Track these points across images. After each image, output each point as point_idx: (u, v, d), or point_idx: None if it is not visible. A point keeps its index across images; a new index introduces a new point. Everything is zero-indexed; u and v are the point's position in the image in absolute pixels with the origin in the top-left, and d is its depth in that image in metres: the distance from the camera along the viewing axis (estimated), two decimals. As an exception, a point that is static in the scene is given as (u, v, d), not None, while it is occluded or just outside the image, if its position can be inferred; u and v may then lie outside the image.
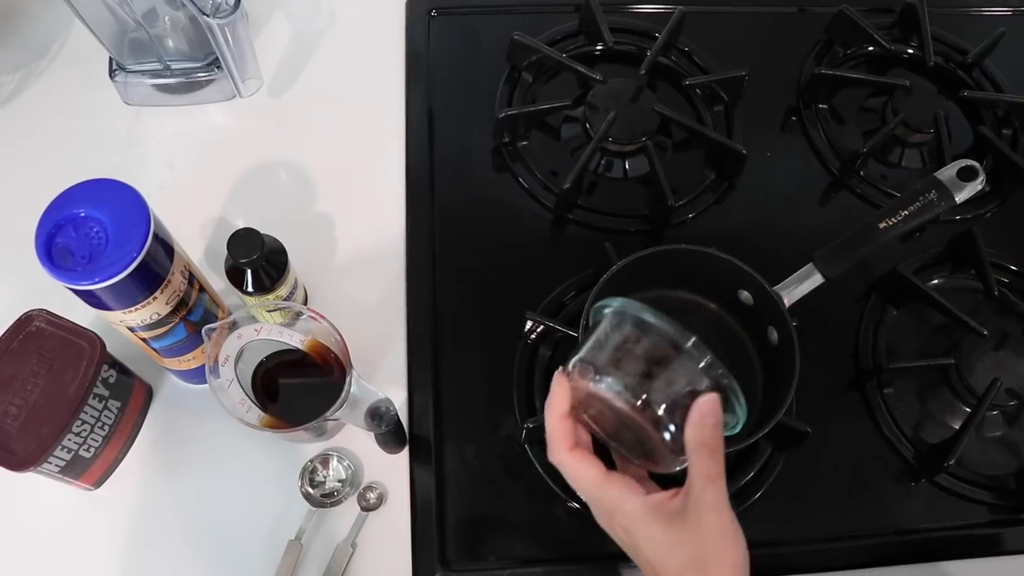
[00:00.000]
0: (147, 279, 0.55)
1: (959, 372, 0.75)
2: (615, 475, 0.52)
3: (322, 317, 0.62)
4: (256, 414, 0.63)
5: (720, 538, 0.48)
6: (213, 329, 0.61)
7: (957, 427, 0.74)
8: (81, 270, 0.53)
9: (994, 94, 0.91)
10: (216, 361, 0.61)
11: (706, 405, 0.48)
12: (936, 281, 0.81)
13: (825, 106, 0.89)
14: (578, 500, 0.69)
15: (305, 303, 0.76)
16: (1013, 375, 0.74)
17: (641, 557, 0.51)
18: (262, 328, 0.64)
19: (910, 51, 0.92)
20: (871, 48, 0.92)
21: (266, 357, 0.68)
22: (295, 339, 0.66)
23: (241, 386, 0.63)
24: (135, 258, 0.53)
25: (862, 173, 0.86)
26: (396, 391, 0.73)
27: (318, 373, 0.66)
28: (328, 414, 0.60)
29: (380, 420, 0.62)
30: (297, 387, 0.69)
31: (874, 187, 0.86)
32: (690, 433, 0.49)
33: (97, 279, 0.52)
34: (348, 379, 0.60)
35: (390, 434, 0.64)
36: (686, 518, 0.48)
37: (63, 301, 0.60)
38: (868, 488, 0.73)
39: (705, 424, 0.48)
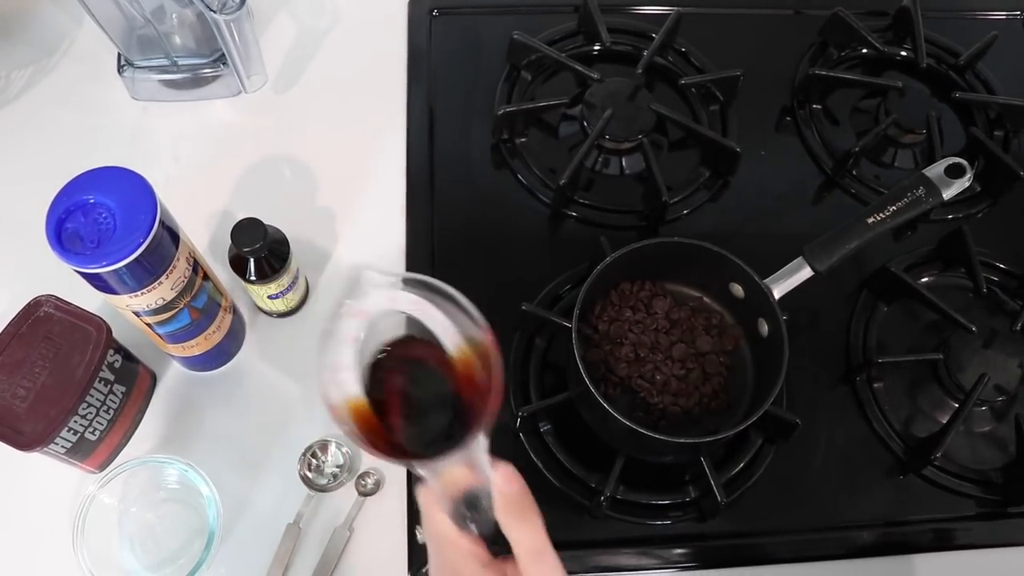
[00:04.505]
0: (153, 264, 0.57)
1: (947, 367, 0.76)
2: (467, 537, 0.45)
3: (493, 344, 0.44)
4: (351, 390, 0.44)
5: None
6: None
7: (945, 422, 0.75)
8: (90, 254, 0.54)
9: (986, 96, 0.92)
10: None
11: (505, 472, 0.43)
12: (926, 279, 0.83)
13: (819, 107, 0.91)
14: (573, 488, 0.70)
15: (306, 295, 0.77)
16: (1001, 371, 0.75)
17: None
18: (424, 308, 0.45)
19: (903, 53, 0.94)
20: (865, 50, 0.94)
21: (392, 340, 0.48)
22: (452, 339, 0.46)
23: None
24: (142, 243, 0.54)
25: (855, 172, 0.87)
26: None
27: (437, 393, 0.47)
28: (434, 458, 0.43)
29: (474, 512, 0.45)
30: (406, 391, 0.48)
31: (867, 186, 0.87)
32: (500, 508, 0.43)
33: (105, 263, 0.54)
34: (478, 435, 0.43)
35: (480, 531, 0.46)
36: None
37: (70, 289, 0.61)
38: (857, 480, 0.75)
39: (511, 493, 0.43)
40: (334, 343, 0.44)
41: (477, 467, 0.44)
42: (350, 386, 0.44)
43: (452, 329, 0.44)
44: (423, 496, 0.45)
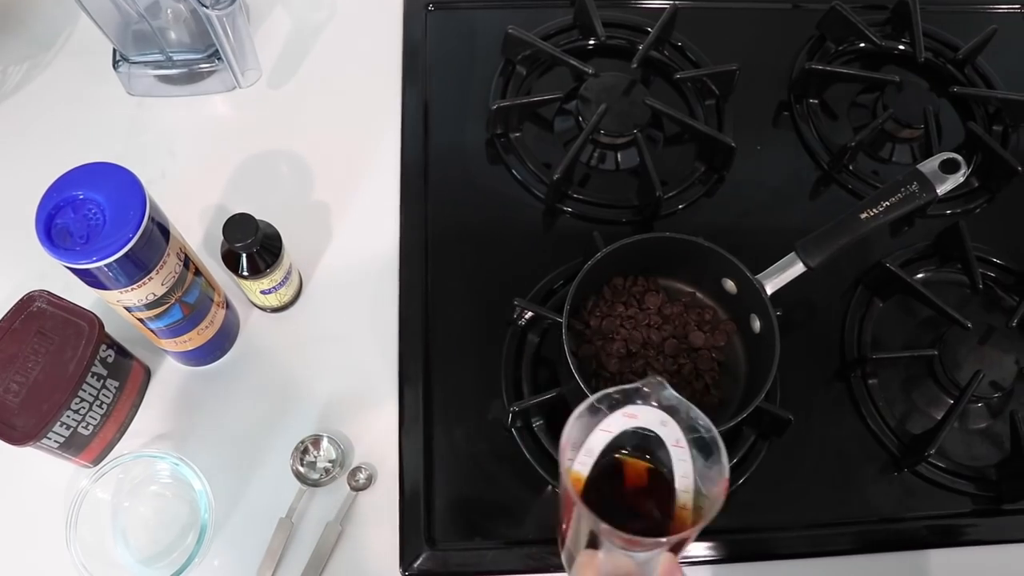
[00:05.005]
0: (143, 260, 0.57)
1: (943, 364, 0.76)
2: None
3: (719, 502, 0.47)
4: (582, 471, 0.49)
5: None
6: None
7: (940, 418, 0.75)
8: (79, 250, 0.55)
9: (984, 90, 0.91)
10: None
11: (670, 563, 0.47)
12: (922, 274, 0.82)
13: (816, 101, 0.91)
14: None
15: (300, 289, 0.78)
16: (997, 368, 0.75)
17: None
18: (682, 447, 0.49)
19: (901, 47, 0.93)
20: (863, 44, 0.93)
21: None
22: (685, 484, 0.49)
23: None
24: (131, 239, 0.55)
25: (851, 167, 0.87)
26: (388, 372, 0.74)
27: (641, 502, 0.51)
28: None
29: None
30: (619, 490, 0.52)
31: (863, 181, 0.87)
32: None
33: (94, 258, 0.54)
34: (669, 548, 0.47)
35: None
36: None
37: (66, 284, 0.61)
38: (851, 477, 0.74)
39: None
40: (594, 427, 0.49)
41: (646, 564, 0.47)
42: (584, 468, 0.48)
43: (691, 477, 0.48)
44: (586, 563, 0.47)
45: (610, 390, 0.48)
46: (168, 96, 0.86)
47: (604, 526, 0.44)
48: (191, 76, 0.85)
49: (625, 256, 0.70)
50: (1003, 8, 0.98)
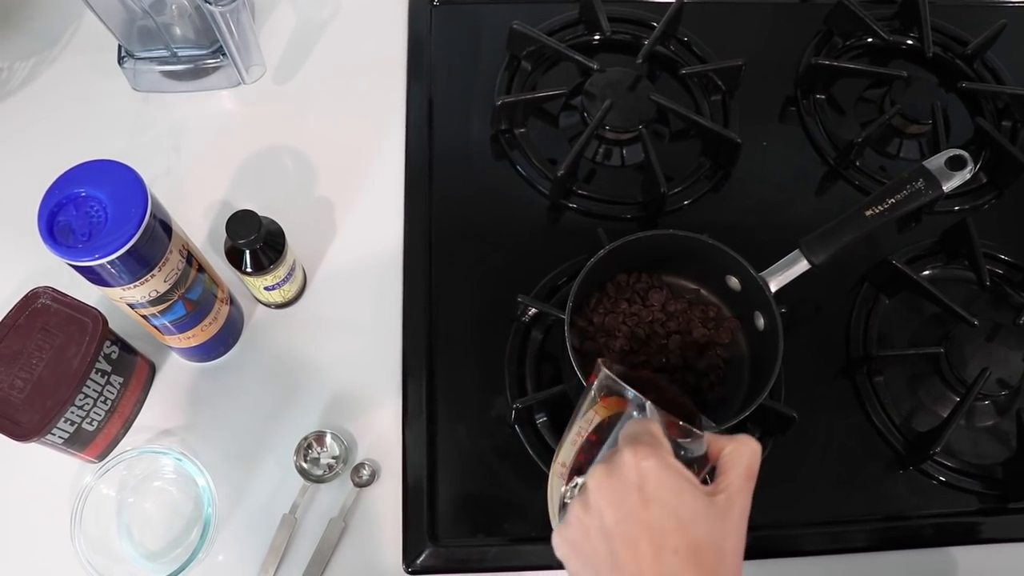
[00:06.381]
0: (145, 257, 0.57)
1: (949, 361, 0.75)
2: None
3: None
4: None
5: (741, 526, 0.47)
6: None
7: (946, 416, 0.74)
8: (81, 247, 0.55)
9: (992, 86, 0.90)
10: None
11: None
12: (929, 271, 0.82)
13: (823, 96, 0.90)
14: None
15: (304, 285, 0.78)
16: (1004, 365, 0.74)
17: (650, 517, 0.46)
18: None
19: (909, 42, 0.92)
20: (870, 39, 0.92)
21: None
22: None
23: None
24: (133, 236, 0.55)
25: (858, 163, 0.86)
26: (391, 368, 0.75)
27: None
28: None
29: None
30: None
31: (871, 177, 0.86)
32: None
33: (96, 255, 0.54)
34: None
35: None
36: (718, 498, 0.47)
37: (70, 280, 0.62)
38: (856, 475, 0.74)
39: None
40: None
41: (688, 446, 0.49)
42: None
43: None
44: (646, 420, 0.49)
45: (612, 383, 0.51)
46: (173, 92, 0.86)
47: (649, 404, 0.47)
48: (196, 72, 0.85)
49: (629, 253, 0.70)
50: (1013, 2, 0.97)
